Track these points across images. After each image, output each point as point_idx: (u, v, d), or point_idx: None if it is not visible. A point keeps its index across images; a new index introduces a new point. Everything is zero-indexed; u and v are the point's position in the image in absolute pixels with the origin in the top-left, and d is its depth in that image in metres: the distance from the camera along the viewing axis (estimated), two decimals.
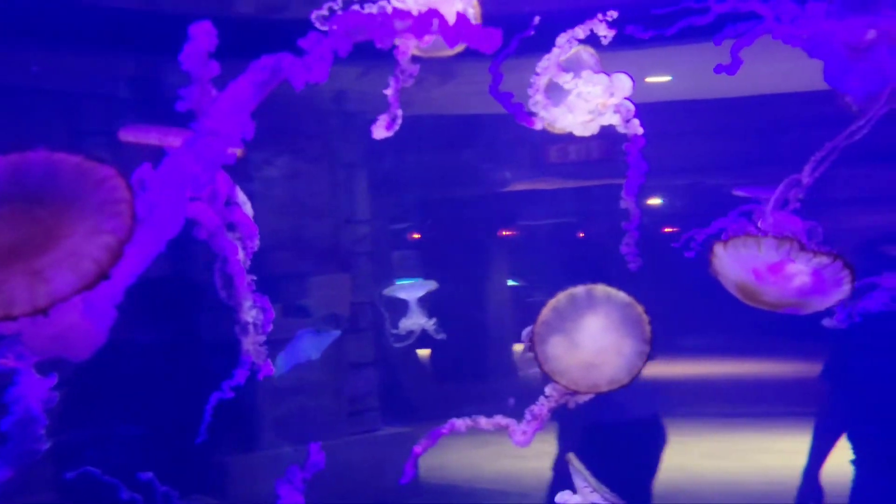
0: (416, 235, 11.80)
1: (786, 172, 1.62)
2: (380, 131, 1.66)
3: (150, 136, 1.47)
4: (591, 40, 1.68)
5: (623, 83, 1.58)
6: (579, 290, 1.58)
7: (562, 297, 1.59)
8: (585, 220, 13.49)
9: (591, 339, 1.57)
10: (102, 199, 1.12)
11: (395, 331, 3.29)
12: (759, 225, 1.58)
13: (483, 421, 1.72)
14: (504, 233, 12.66)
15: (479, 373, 10.93)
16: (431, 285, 3.24)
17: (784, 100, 7.67)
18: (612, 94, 1.60)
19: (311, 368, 6.07)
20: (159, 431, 3.94)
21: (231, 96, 1.23)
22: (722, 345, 10.52)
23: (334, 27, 1.29)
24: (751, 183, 1.75)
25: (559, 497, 2.39)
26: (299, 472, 2.23)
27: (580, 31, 1.67)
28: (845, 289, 1.46)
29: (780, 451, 6.73)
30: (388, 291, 3.22)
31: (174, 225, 1.18)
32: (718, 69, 1.72)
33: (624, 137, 1.78)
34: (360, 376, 6.42)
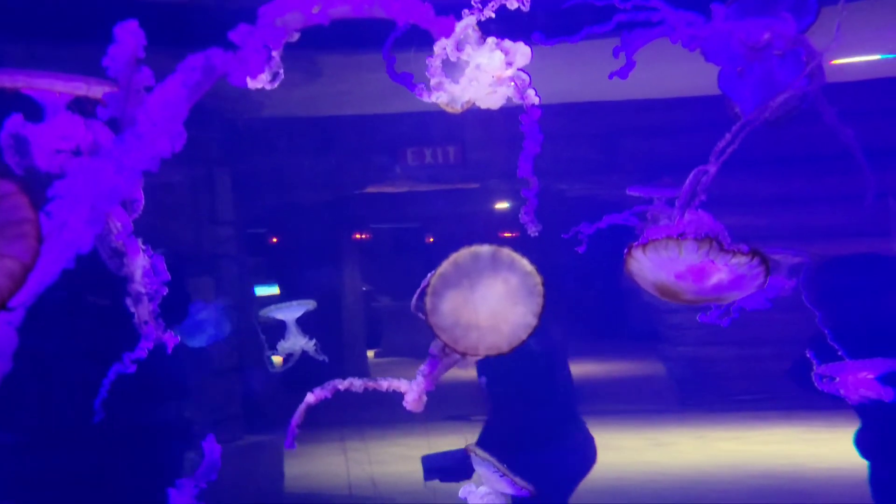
0: (275, 240, 11.60)
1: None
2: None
3: (16, 81, 1.30)
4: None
5: (522, 51, 1.56)
6: (484, 248, 1.53)
7: (465, 252, 1.54)
8: (435, 224, 13.62)
9: (484, 301, 1.53)
10: (2, 220, 0.98)
11: (272, 353, 3.21)
12: (666, 224, 1.60)
13: (378, 382, 1.67)
14: (357, 236, 12.60)
15: (333, 378, 10.84)
16: (310, 305, 3.19)
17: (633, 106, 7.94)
18: (510, 64, 1.58)
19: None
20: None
21: (159, 100, 1.11)
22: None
23: (264, 18, 1.23)
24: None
25: (463, 491, 2.37)
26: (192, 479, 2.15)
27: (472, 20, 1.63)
28: (761, 281, 1.50)
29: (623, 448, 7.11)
30: (264, 313, 3.14)
31: (85, 241, 1.05)
32: (612, 75, 1.74)
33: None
34: (221, 384, 6.26)
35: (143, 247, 1.53)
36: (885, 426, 3.48)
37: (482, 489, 2.35)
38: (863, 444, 3.58)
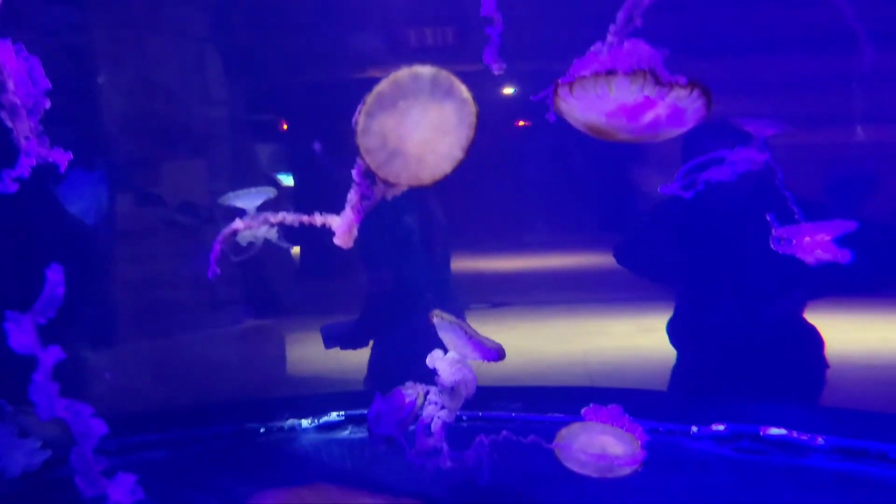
0: (285, 126, 11.43)
1: None
2: None
3: None
4: None
5: None
6: (426, 69, 1.45)
7: (406, 72, 1.46)
8: None
9: (415, 127, 1.45)
10: None
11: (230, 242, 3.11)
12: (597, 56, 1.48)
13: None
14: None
15: (348, 270, 10.85)
16: (270, 192, 3.08)
17: None
18: None
19: (167, 260, 5.87)
20: None
21: None
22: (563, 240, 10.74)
23: None
24: None
25: (429, 358, 2.29)
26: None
27: None
28: (702, 115, 1.40)
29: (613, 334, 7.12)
30: (223, 200, 3.04)
31: None
32: None
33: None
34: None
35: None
36: (694, 316, 3.50)
37: (450, 355, 2.27)
38: (673, 331, 3.64)
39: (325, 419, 2.98)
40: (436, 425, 2.24)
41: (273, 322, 6.51)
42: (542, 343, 7.97)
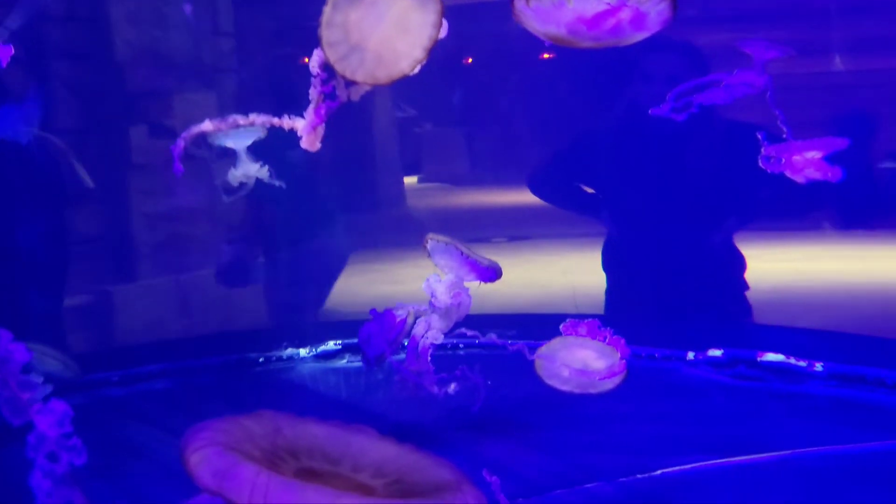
0: (306, 60, 11.38)
1: None
2: None
3: None
4: None
5: None
6: None
7: None
8: (473, 44, 13.27)
9: (378, 22, 1.40)
10: None
11: (222, 182, 3.07)
12: None
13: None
14: None
15: (368, 204, 10.86)
16: (259, 133, 3.02)
17: None
18: None
19: (184, 194, 5.88)
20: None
21: None
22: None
23: None
24: None
25: (426, 284, 2.25)
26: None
27: None
28: (666, 17, 1.34)
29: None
30: (212, 140, 2.98)
31: None
32: None
33: None
34: (234, 202, 6.24)
35: None
36: (624, 243, 3.47)
37: (447, 278, 2.23)
38: (605, 257, 3.62)
39: (322, 348, 2.98)
40: (425, 345, 2.22)
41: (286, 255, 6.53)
42: (555, 276, 7.96)
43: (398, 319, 2.25)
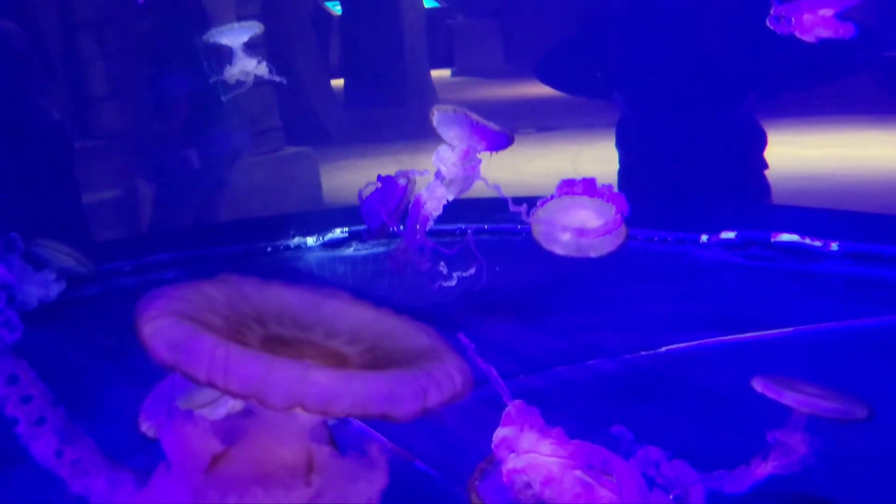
0: None
1: None
2: None
3: None
4: None
5: None
6: None
7: None
8: None
9: None
10: None
11: (219, 78, 3.02)
12: None
13: None
14: None
15: (395, 98, 10.74)
16: (256, 27, 2.94)
17: None
18: None
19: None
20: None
21: None
22: None
23: None
24: None
25: (435, 158, 2.19)
26: None
27: None
28: None
29: None
30: (207, 37, 2.91)
31: None
32: None
33: None
34: (258, 94, 6.21)
35: None
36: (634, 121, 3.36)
37: (457, 148, 2.15)
38: (619, 137, 3.52)
39: (329, 236, 2.96)
40: (425, 215, 2.17)
41: (309, 150, 6.51)
42: (581, 166, 7.86)
43: (400, 185, 2.18)
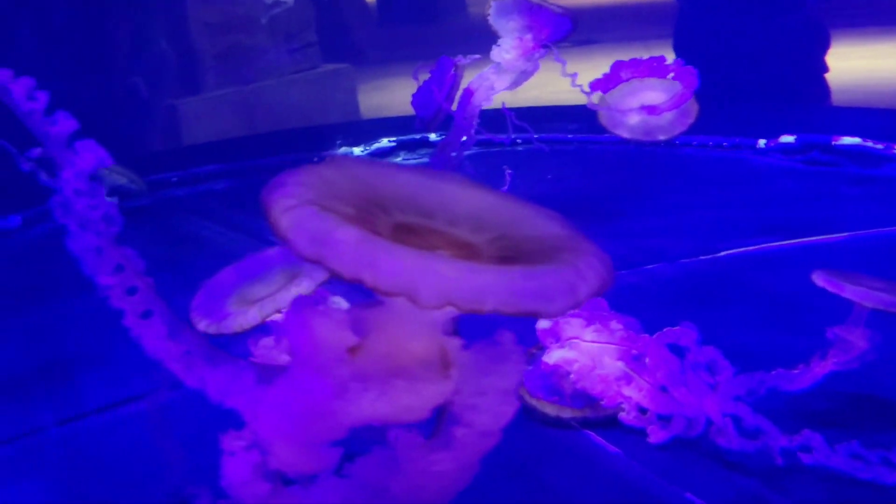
0: None
1: None
2: None
3: None
4: None
5: None
6: None
7: None
8: None
9: None
10: None
11: None
12: None
13: None
14: None
15: (428, 15, 10.57)
16: None
17: None
18: None
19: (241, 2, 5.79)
20: None
21: None
22: None
23: None
24: None
25: (494, 49, 2.10)
26: None
27: None
28: None
29: None
30: None
31: None
32: None
33: None
34: (294, 10, 6.14)
35: None
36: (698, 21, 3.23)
37: (517, 38, 2.06)
38: (677, 38, 3.39)
39: (376, 146, 2.93)
40: (476, 102, 2.10)
41: (347, 67, 6.43)
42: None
43: (453, 71, 2.11)
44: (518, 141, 2.68)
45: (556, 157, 2.61)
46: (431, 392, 0.83)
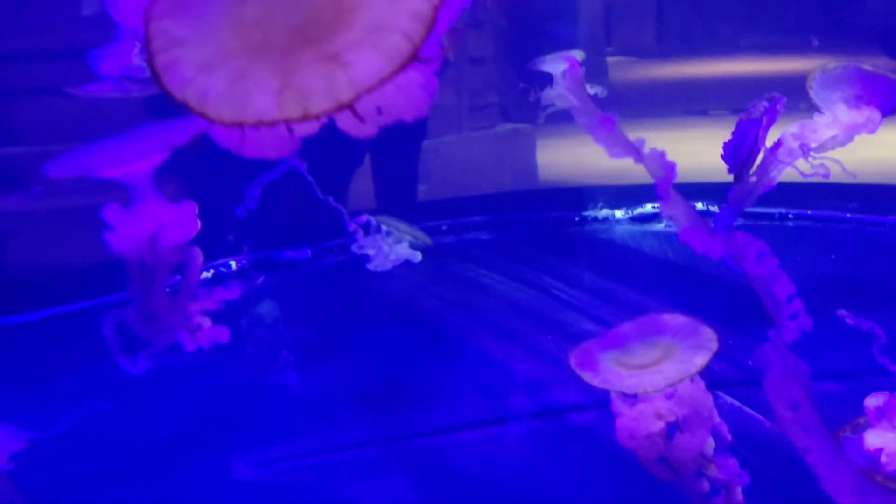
0: None
1: None
2: None
3: None
4: None
5: None
6: None
7: None
8: None
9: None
10: None
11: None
12: None
13: None
14: None
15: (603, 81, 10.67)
16: (578, 55, 3.02)
17: None
18: None
19: None
20: None
21: None
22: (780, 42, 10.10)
23: None
24: None
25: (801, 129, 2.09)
26: None
27: None
28: None
29: None
30: (533, 65, 3.04)
31: None
32: None
33: None
34: (479, 72, 6.38)
35: None
36: None
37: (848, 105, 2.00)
38: None
39: (639, 211, 3.12)
40: (777, 162, 2.01)
41: (527, 127, 6.65)
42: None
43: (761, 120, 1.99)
44: (789, 217, 2.78)
45: (831, 236, 2.69)
46: None
